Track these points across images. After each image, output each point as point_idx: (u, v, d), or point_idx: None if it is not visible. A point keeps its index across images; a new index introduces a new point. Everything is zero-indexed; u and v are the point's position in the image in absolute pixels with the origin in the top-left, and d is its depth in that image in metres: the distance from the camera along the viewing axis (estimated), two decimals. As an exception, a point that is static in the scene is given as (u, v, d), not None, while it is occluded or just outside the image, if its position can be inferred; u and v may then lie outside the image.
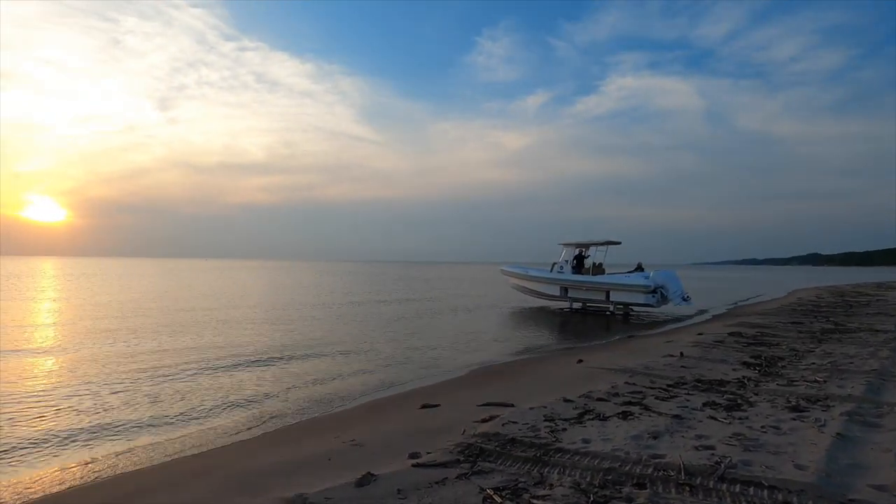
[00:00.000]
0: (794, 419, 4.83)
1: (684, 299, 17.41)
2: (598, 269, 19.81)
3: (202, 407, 6.67)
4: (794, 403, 5.41)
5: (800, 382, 6.44)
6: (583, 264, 20.17)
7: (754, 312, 17.38)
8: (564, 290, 20.01)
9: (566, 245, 20.47)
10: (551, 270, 20.65)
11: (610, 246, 19.70)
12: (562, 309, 20.33)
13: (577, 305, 20.13)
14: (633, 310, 18.89)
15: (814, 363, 7.75)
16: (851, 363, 7.63)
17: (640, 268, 18.93)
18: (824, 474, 3.50)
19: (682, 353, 8.70)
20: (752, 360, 8.05)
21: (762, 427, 4.58)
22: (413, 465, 3.86)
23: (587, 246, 20.20)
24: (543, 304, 21.44)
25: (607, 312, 18.89)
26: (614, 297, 18.51)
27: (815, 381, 6.45)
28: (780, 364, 7.75)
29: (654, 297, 17.44)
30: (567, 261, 20.27)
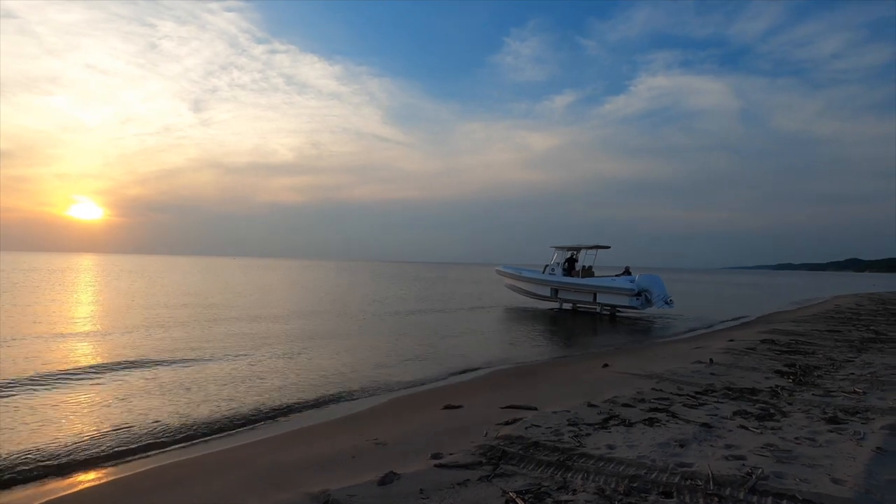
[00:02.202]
0: (830, 431, 4.65)
1: (667, 303, 18.28)
2: (588, 271, 20.75)
3: (232, 403, 6.85)
4: (830, 415, 5.20)
5: (837, 393, 6.19)
6: (573, 267, 21.08)
7: (788, 319, 16.78)
8: (555, 291, 20.94)
9: (558, 248, 21.34)
10: (543, 272, 21.54)
11: (599, 249, 20.61)
12: (552, 309, 21.03)
13: (567, 306, 21.01)
14: (619, 311, 19.43)
15: (852, 373, 7.43)
16: (894, 374, 7.29)
17: (627, 271, 19.66)
18: (863, 490, 3.36)
19: (711, 360, 8.47)
20: (786, 369, 7.77)
21: (796, 438, 4.42)
22: (435, 466, 3.88)
23: (578, 249, 21.14)
24: (548, 305, 21.80)
25: (594, 312, 19.79)
26: (601, 298, 19.36)
27: (854, 393, 6.18)
28: (815, 373, 7.46)
29: (638, 299, 18.29)
30: (558, 263, 21.22)
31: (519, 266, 23.86)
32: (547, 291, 21.20)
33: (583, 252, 21.17)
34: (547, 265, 21.61)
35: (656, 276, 19.01)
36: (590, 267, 20.89)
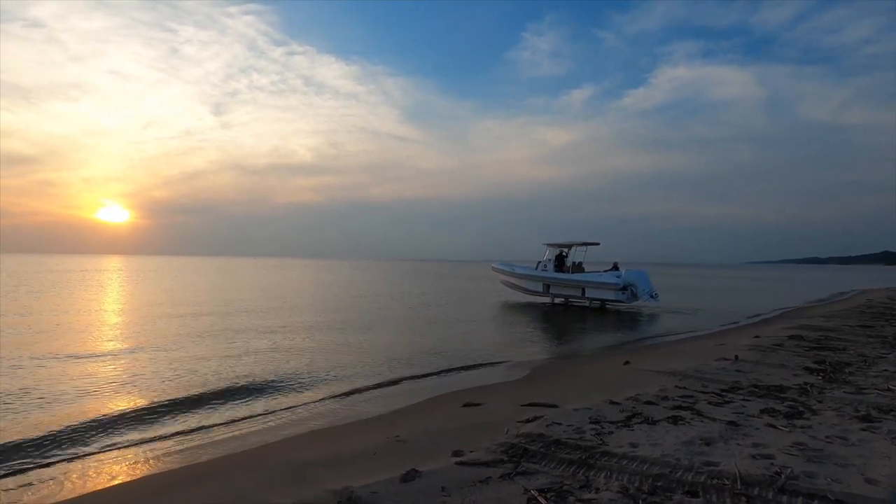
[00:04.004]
0: (863, 430, 4.51)
1: (652, 296, 19.34)
2: (578, 267, 21.66)
3: (254, 401, 6.98)
4: (863, 413, 5.04)
5: (870, 390, 5.99)
6: (563, 263, 21.94)
7: (817, 315, 16.30)
8: (547, 286, 21.83)
9: (549, 245, 22.21)
10: (536, 268, 22.44)
11: (589, 246, 21.56)
12: (545, 303, 21.74)
13: (559, 301, 21.78)
14: (608, 305, 20.21)
15: (886, 370, 7.19)
16: (930, 371, 7.03)
17: (615, 267, 20.40)
18: (899, 490, 3.25)
19: (736, 357, 8.29)
20: (816, 366, 7.56)
21: (827, 437, 4.30)
22: (457, 464, 3.88)
23: (568, 246, 22.00)
24: (541, 300, 22.37)
25: (587, 305, 20.58)
26: (589, 293, 20.28)
27: (888, 390, 5.97)
28: (847, 370, 7.24)
29: (624, 293, 19.14)
30: (550, 260, 22.10)
31: (512, 262, 24.73)
32: (539, 287, 22.11)
33: (574, 248, 21.98)
34: (539, 262, 22.44)
35: (642, 271, 20.08)
36: (580, 263, 21.82)
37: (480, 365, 9.56)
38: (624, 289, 19.10)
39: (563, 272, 21.52)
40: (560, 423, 4.73)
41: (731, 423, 4.72)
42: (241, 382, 7.86)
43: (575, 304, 21.25)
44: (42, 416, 6.05)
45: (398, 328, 14.41)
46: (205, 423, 6.01)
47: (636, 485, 3.43)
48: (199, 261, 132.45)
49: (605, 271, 20.27)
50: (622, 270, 19.83)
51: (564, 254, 22.13)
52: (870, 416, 4.93)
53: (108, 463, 4.86)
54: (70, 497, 4.12)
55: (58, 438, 5.38)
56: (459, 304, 22.35)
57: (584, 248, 21.70)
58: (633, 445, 4.13)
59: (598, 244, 21.22)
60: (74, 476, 4.54)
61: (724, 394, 5.93)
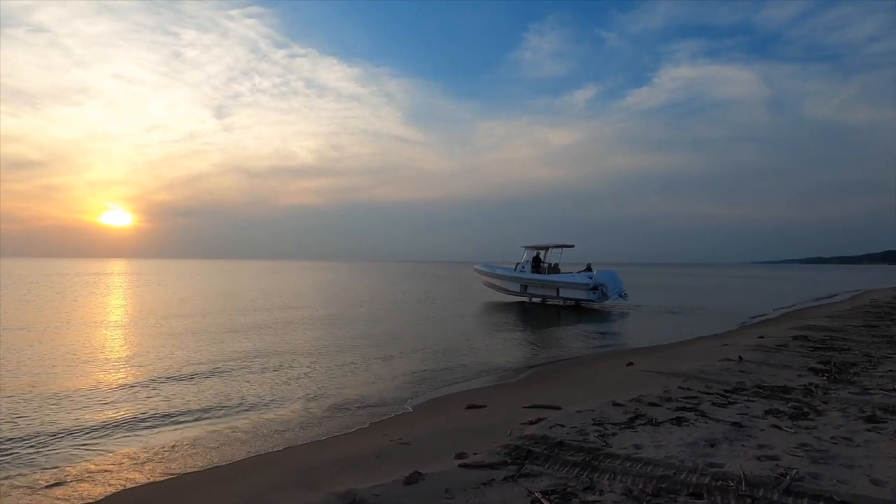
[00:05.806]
0: (869, 430, 4.49)
1: (621, 296, 20.37)
2: (554, 268, 22.72)
3: (259, 407, 6.99)
4: (868, 413, 5.02)
5: (875, 391, 5.96)
6: (540, 265, 22.90)
7: (821, 315, 16.23)
8: (524, 286, 22.82)
9: (527, 248, 23.18)
10: (514, 270, 23.43)
11: (564, 248, 22.57)
12: (523, 302, 22.72)
13: (536, 300, 22.76)
14: (583, 303, 21.06)
15: (891, 370, 7.15)
16: (936, 371, 6.98)
17: (589, 268, 21.44)
18: (905, 491, 3.23)
19: (740, 358, 8.26)
20: (820, 366, 7.53)
21: (832, 438, 4.28)
22: (460, 466, 3.88)
23: (545, 249, 23.03)
24: (519, 300, 23.27)
25: (561, 304, 21.64)
26: (563, 293, 21.31)
27: (894, 390, 5.95)
28: (851, 370, 7.21)
29: (594, 293, 20.11)
30: (527, 261, 23.05)
31: (493, 264, 25.62)
32: (517, 287, 23.09)
33: (549, 251, 22.94)
34: (518, 263, 23.39)
35: (613, 272, 21.03)
36: (556, 264, 22.83)
37: (483, 367, 9.55)
38: (595, 288, 20.01)
39: (540, 273, 22.44)
40: (563, 425, 4.72)
41: (735, 424, 4.71)
42: (246, 390, 7.87)
43: (552, 303, 22.09)
44: (52, 417, 6.09)
45: (399, 331, 14.41)
46: (212, 428, 6.01)
47: (640, 487, 3.42)
48: (201, 264, 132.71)
49: (579, 272, 21.19)
50: (594, 271, 20.85)
51: (542, 256, 23.03)
52: (875, 416, 4.91)
53: (120, 467, 4.86)
54: (85, 501, 4.13)
55: (64, 443, 5.40)
56: (459, 306, 22.33)
57: (559, 250, 22.70)
58: (637, 447, 4.12)
59: (572, 246, 22.25)
60: (87, 479, 4.55)
61: (728, 395, 5.91)
